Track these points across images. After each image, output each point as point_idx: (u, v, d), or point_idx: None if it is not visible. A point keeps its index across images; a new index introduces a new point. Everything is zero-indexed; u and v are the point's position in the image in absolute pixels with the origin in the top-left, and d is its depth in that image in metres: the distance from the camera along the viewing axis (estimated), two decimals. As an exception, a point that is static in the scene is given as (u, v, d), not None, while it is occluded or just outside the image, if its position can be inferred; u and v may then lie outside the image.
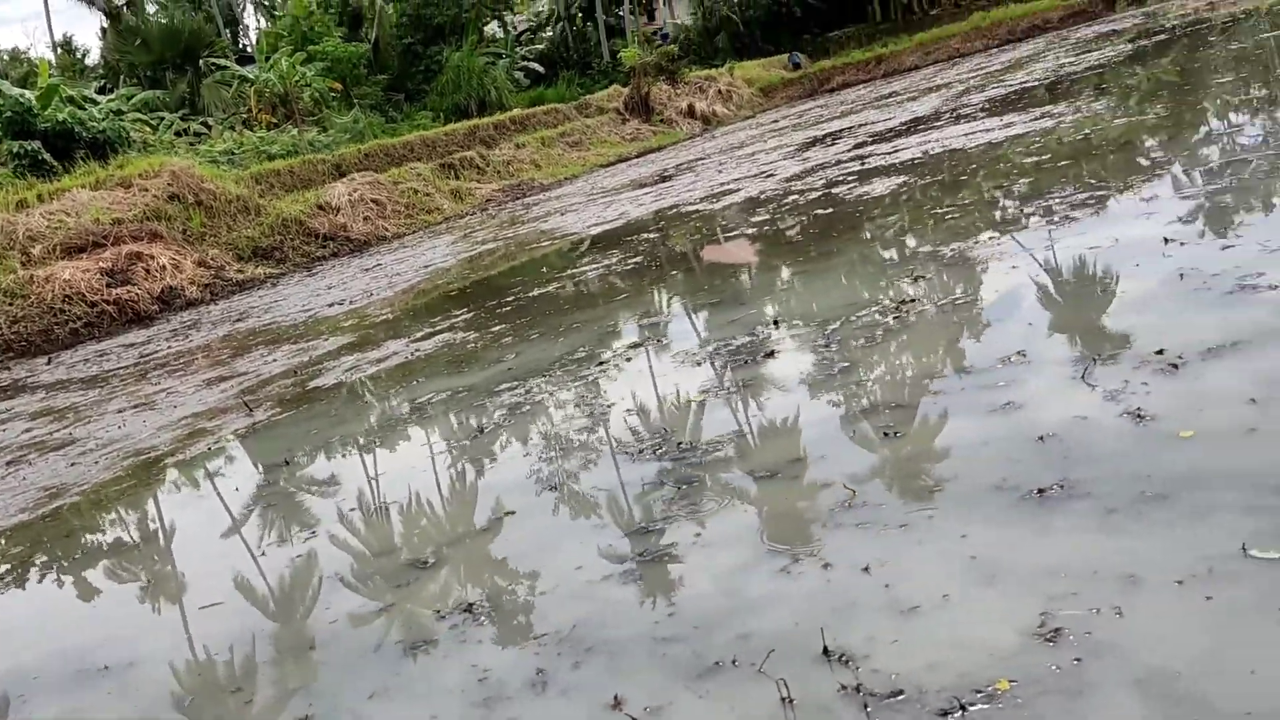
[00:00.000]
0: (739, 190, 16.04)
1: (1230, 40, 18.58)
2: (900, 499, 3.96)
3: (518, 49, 53.21)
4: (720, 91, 40.72)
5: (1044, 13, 41.36)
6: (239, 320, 14.83)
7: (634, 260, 11.95)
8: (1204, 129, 10.80)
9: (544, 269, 13.36)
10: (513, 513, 5.02)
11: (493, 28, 53.89)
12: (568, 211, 20.21)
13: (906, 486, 4.08)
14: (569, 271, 12.45)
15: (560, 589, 4.02)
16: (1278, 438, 3.51)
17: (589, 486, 5.07)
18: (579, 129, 34.87)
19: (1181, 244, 6.18)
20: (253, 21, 54.33)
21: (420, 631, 3.97)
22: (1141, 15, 32.28)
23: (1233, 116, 10.80)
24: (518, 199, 26.23)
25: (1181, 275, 5.56)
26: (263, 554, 5.40)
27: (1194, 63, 17.18)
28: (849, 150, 17.47)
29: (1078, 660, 2.73)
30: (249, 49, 48.20)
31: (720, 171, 20.12)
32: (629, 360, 7.38)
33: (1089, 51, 24.46)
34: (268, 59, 34.88)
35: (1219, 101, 12.04)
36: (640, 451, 5.29)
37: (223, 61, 38.26)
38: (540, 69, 51.99)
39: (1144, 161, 9.89)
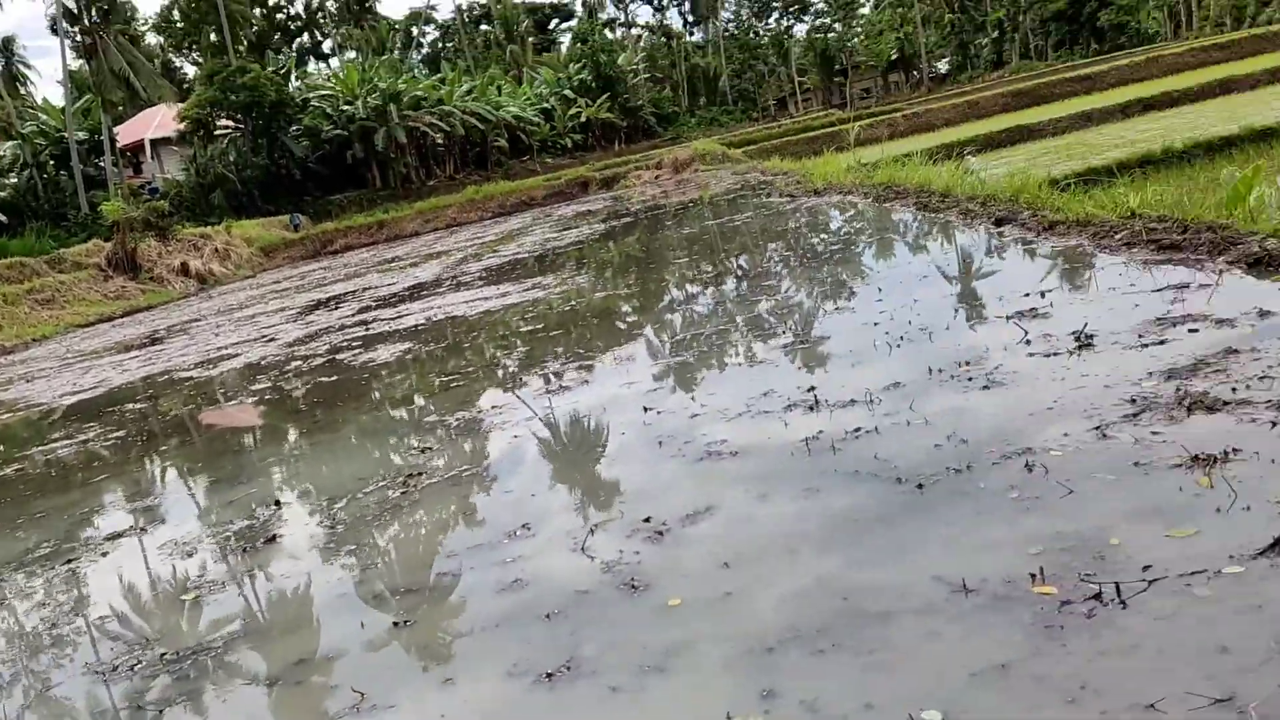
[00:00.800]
0: (239, 355, 15.29)
1: (682, 225, 21.36)
2: (413, 697, 3.80)
3: (-27, 195, 47.68)
4: (217, 250, 39.19)
5: (529, 190, 45.36)
6: None
7: (117, 434, 10.83)
8: (668, 299, 12.16)
9: (0, 447, 11.67)
10: (-52, 764, 4.16)
11: (-58, 171, 47.93)
12: (36, 378, 18.02)
13: (420, 682, 3.94)
14: (34, 450, 10.97)
15: None
16: (748, 601, 3.86)
17: None
18: (51, 285, 31.69)
19: (659, 412, 6.78)
20: None
21: None
22: (610, 198, 36.26)
23: (689, 288, 12.29)
24: (-29, 364, 22.97)
25: (660, 443, 6.08)
26: None
27: (656, 242, 19.45)
28: (354, 314, 17.43)
29: None
30: None
31: (218, 334, 19.13)
32: (105, 555, 6.55)
33: (569, 229, 26.84)
34: None
35: (678, 276, 13.66)
36: (114, 669, 4.63)
37: None
38: (3, 219, 46.90)
39: (622, 325, 10.89)
